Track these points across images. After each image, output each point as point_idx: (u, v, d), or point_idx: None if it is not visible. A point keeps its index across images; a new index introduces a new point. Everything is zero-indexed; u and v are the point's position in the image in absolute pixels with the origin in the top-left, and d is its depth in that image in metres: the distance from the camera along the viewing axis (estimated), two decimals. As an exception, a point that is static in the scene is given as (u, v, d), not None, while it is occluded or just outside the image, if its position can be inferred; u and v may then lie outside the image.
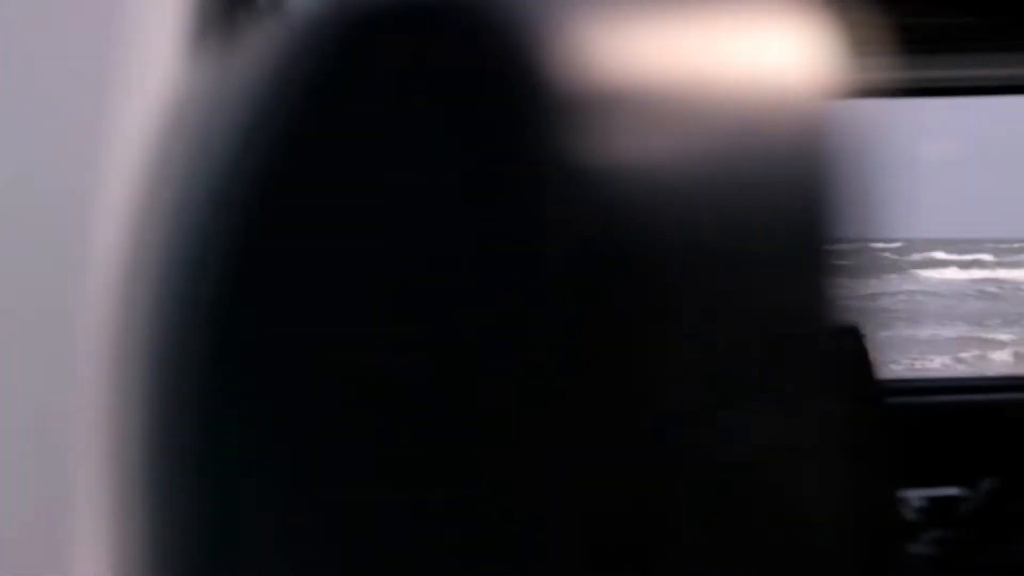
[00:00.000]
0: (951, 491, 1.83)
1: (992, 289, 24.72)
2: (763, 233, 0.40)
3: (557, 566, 0.33)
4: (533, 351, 0.34)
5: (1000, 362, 15.25)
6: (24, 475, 0.52)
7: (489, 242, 0.34)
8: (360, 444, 0.34)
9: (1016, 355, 16.04)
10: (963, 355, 15.68)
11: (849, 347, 1.39)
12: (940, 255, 32.80)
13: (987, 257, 32.11)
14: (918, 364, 15.15)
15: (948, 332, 18.49)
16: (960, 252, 33.59)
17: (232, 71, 0.37)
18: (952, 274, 28.83)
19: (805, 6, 0.42)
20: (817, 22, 0.42)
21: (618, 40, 0.35)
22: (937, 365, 14.99)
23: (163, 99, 0.54)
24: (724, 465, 0.38)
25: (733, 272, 0.39)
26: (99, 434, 0.43)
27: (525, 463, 0.34)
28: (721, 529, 0.37)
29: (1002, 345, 16.60)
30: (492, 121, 0.34)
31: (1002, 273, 28.23)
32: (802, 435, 0.41)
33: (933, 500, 1.85)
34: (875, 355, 1.89)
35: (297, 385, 0.34)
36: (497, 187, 0.33)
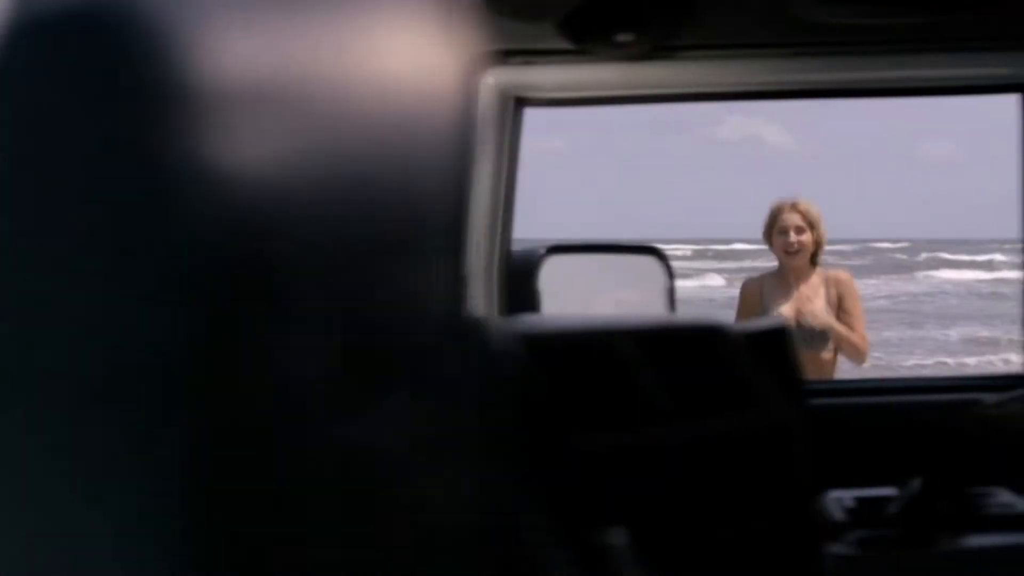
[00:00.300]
0: (886, 491, 1.81)
1: (1004, 290, 24.71)
2: (394, 230, 0.39)
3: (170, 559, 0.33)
4: (150, 345, 0.33)
5: (1008, 362, 15.20)
6: None
7: (105, 237, 0.34)
8: None
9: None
10: (969, 359, 15.66)
11: (773, 350, 1.39)
12: (948, 255, 32.76)
13: (999, 257, 32.10)
14: (926, 364, 15.15)
15: (954, 333, 18.48)
16: (970, 252, 33.58)
17: None
18: (960, 275, 28.82)
19: (440, 11, 0.43)
20: (450, 25, 0.42)
21: (250, 44, 0.36)
22: (952, 364, 15.00)
23: None
24: (349, 462, 0.36)
25: (363, 270, 0.38)
26: None
27: (152, 462, 0.33)
28: (346, 528, 0.36)
29: (1011, 345, 16.55)
30: (117, 120, 0.34)
31: (1013, 274, 28.17)
32: (440, 431, 0.39)
33: (862, 501, 1.83)
34: (797, 358, 1.87)
35: None
36: (116, 186, 0.34)
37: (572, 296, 2.76)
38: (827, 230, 4.17)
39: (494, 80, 2.54)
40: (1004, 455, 2.53)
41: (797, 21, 2.42)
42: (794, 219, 4.08)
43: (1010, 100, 2.67)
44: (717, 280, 26.56)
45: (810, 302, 4.02)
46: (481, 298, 2.58)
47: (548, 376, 1.26)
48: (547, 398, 1.01)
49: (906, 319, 19.87)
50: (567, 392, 1.36)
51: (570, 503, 1.02)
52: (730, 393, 1.63)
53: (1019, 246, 2.58)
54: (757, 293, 4.15)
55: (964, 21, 2.43)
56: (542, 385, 1.01)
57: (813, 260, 4.09)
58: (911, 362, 15.30)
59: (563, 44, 2.49)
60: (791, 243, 4.05)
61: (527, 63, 2.55)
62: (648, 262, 2.76)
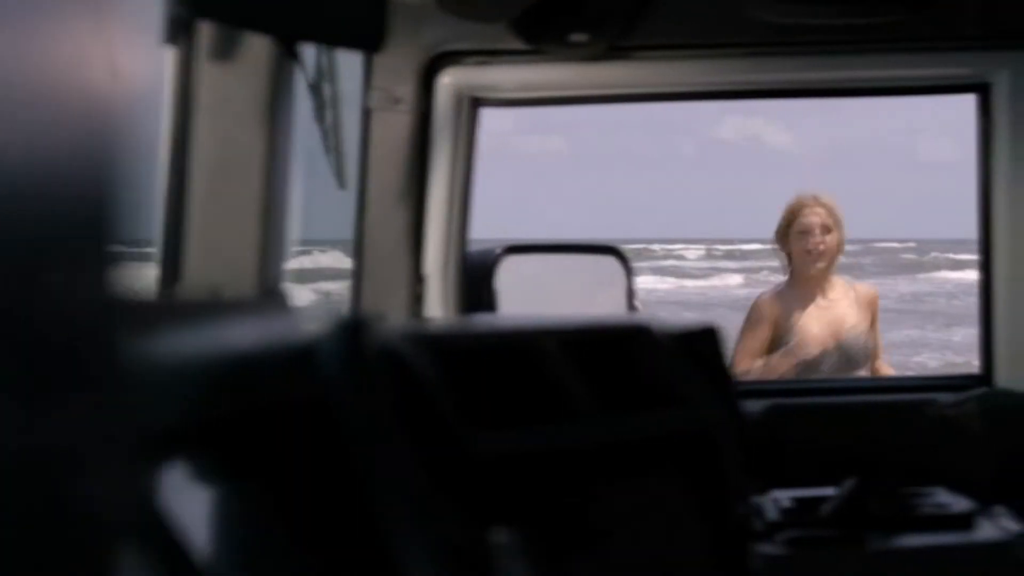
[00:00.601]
0: (826, 491, 1.81)
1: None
2: (42, 228, 0.38)
3: None
4: None
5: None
6: None
7: None
8: None
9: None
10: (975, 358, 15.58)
11: (701, 351, 1.41)
12: (954, 256, 32.63)
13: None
14: (931, 364, 15.11)
15: (960, 334, 18.41)
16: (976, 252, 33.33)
17: None
18: (965, 275, 28.70)
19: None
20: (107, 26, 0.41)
21: None
22: (961, 362, 14.96)
23: None
24: None
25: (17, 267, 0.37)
26: None
27: None
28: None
29: None
30: None
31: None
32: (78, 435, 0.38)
33: (800, 501, 1.83)
34: (726, 358, 1.87)
35: None
36: None
37: (533, 296, 2.76)
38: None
39: (450, 80, 2.55)
40: (959, 455, 2.53)
41: (751, 21, 2.42)
42: (818, 216, 3.36)
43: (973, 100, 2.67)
44: (735, 279, 26.50)
45: (847, 318, 3.36)
46: (438, 298, 2.58)
47: (442, 377, 1.26)
48: (437, 398, 1.01)
49: (916, 321, 19.82)
50: (466, 393, 1.36)
51: (452, 502, 1.02)
52: (652, 394, 1.62)
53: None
54: (776, 311, 3.39)
55: (920, 21, 2.43)
56: (434, 386, 1.01)
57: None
58: (920, 361, 15.27)
59: (517, 45, 2.49)
60: (816, 245, 3.34)
61: (483, 63, 2.55)
62: (609, 262, 2.76)
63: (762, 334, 3.38)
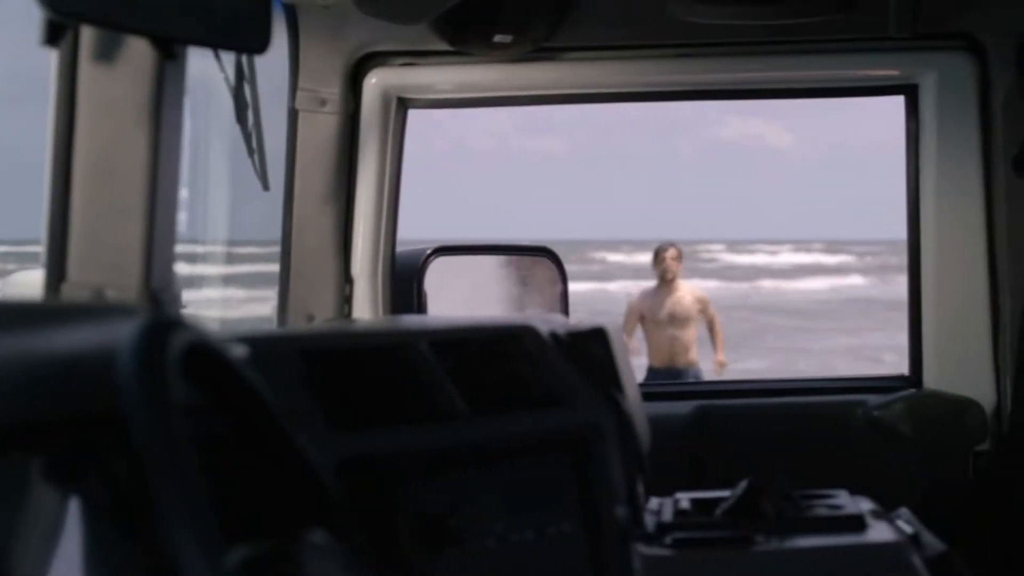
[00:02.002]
0: (725, 493, 1.80)
1: None
2: None
3: None
4: None
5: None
6: None
7: None
8: None
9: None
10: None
11: (594, 350, 1.43)
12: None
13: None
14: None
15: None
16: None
17: None
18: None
19: None
20: None
21: None
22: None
23: None
24: None
25: None
26: None
27: None
28: None
29: None
30: None
31: None
32: None
33: (697, 502, 1.83)
34: (616, 359, 1.87)
35: None
36: None
37: (464, 297, 2.76)
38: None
39: (377, 81, 2.55)
40: (887, 456, 2.53)
41: (674, 22, 2.42)
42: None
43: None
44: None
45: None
46: (366, 299, 2.59)
47: (284, 380, 1.26)
48: (264, 402, 1.01)
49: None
50: (312, 395, 1.36)
51: (256, 510, 1.02)
52: (531, 394, 1.62)
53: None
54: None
55: (845, 22, 2.43)
56: (261, 389, 1.01)
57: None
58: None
59: (442, 46, 2.49)
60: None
61: (409, 64, 2.55)
62: (543, 263, 2.77)
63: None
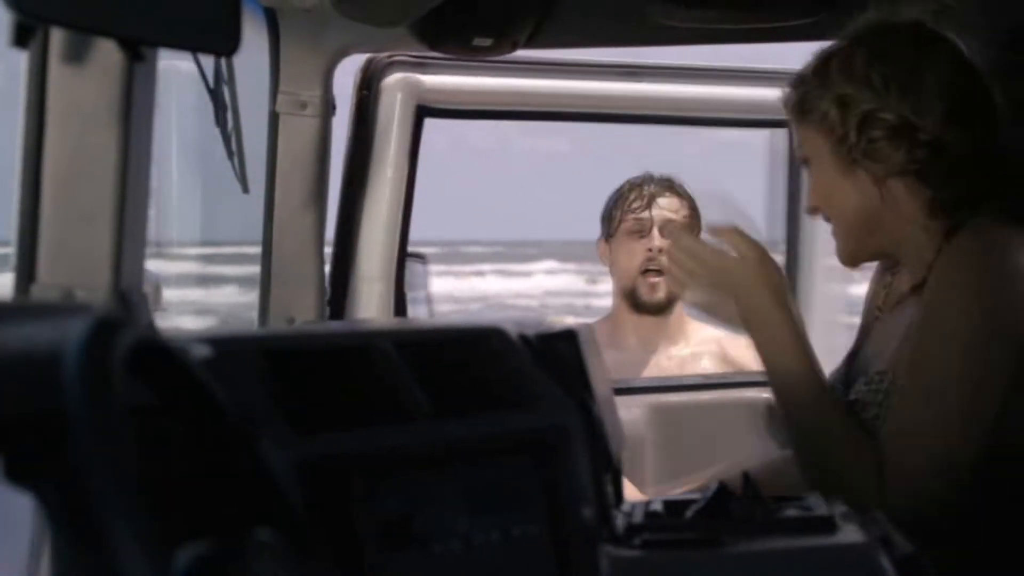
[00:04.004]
0: (697, 495, 1.80)
1: None
2: None
3: None
4: None
5: None
6: None
7: None
8: None
9: None
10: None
11: (564, 352, 1.41)
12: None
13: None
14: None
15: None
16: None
17: None
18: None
19: None
20: None
21: None
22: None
23: None
24: None
25: None
26: None
27: None
28: None
29: None
30: None
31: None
32: None
33: (669, 504, 1.83)
34: (594, 358, 1.87)
35: None
36: None
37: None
38: None
39: (393, 86, 2.59)
40: None
41: (655, 25, 2.42)
42: None
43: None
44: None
45: None
46: (382, 302, 2.63)
47: (239, 381, 1.26)
48: (216, 403, 1.01)
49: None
50: (289, 395, 1.36)
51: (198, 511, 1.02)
52: (497, 397, 1.62)
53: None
54: None
55: (822, 24, 2.43)
56: (212, 390, 1.01)
57: None
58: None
59: (421, 49, 2.50)
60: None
61: (426, 70, 2.59)
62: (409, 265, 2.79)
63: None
